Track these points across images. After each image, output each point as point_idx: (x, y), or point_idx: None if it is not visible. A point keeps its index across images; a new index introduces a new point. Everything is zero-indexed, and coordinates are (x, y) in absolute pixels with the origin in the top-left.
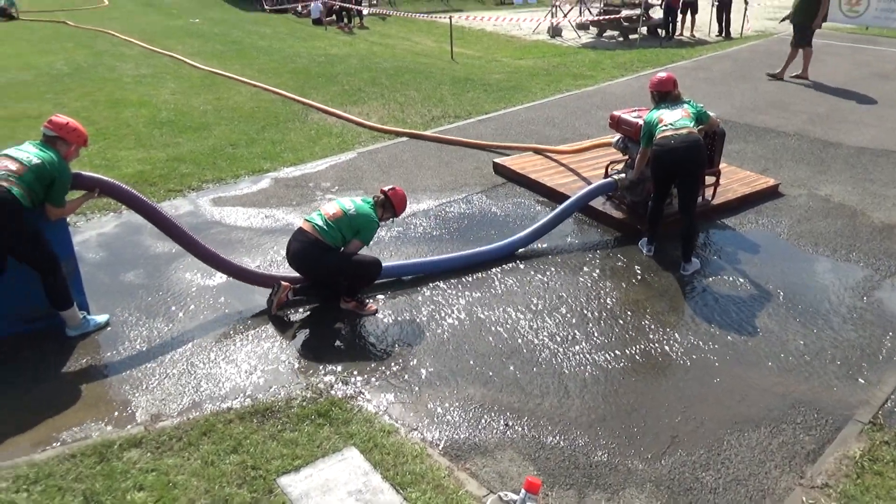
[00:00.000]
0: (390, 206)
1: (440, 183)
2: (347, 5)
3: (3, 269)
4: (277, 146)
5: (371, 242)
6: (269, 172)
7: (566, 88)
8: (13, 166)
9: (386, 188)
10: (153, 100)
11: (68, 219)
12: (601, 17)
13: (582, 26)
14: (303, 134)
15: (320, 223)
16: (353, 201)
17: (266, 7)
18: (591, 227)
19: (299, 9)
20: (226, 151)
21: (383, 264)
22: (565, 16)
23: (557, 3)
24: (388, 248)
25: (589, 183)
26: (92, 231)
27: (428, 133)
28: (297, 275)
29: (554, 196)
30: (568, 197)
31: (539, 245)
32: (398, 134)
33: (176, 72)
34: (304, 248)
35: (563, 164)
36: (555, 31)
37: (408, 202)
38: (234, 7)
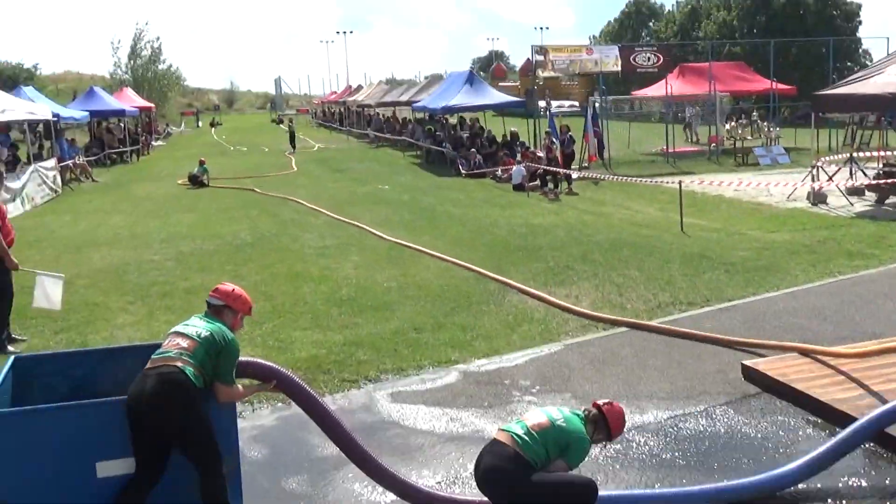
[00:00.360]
0: (604, 425)
1: (670, 388)
2: (553, 168)
3: (166, 465)
4: (468, 332)
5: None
6: (458, 364)
7: (838, 271)
8: (184, 343)
9: (600, 402)
10: (334, 274)
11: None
12: (882, 181)
13: (855, 191)
14: (498, 319)
15: (521, 433)
16: (560, 411)
17: (462, 171)
18: (892, 466)
19: (499, 173)
20: (409, 336)
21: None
22: (830, 178)
23: (819, 163)
24: (602, 471)
25: (884, 401)
26: (253, 422)
27: (653, 323)
28: (486, 498)
29: (831, 415)
30: (854, 418)
31: (813, 484)
32: (615, 323)
33: (360, 243)
34: (499, 463)
35: (841, 372)
36: (817, 198)
37: (628, 414)
38: (427, 172)
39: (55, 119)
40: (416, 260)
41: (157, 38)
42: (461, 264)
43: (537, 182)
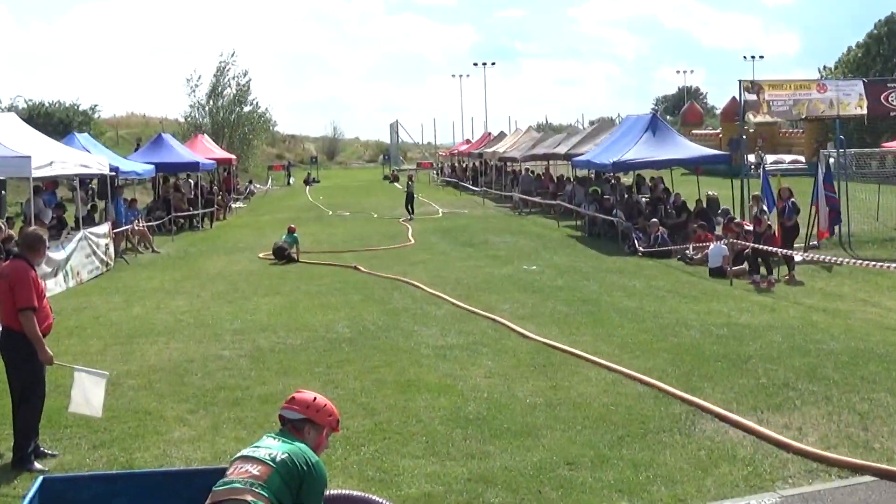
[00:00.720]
0: None
1: None
2: (768, 248)
3: None
4: (643, 472)
5: None
6: None
7: None
8: (255, 469)
9: None
10: (459, 384)
11: None
12: None
13: None
14: (686, 454)
15: None
16: None
17: (639, 249)
18: None
19: (690, 252)
20: (559, 473)
21: None
22: None
23: None
24: None
25: None
26: None
27: None
28: None
29: None
30: None
31: None
32: (857, 469)
33: (496, 343)
34: None
35: None
36: None
37: None
38: (591, 248)
39: (113, 173)
40: (572, 368)
41: (245, 73)
42: (635, 376)
43: (744, 266)
